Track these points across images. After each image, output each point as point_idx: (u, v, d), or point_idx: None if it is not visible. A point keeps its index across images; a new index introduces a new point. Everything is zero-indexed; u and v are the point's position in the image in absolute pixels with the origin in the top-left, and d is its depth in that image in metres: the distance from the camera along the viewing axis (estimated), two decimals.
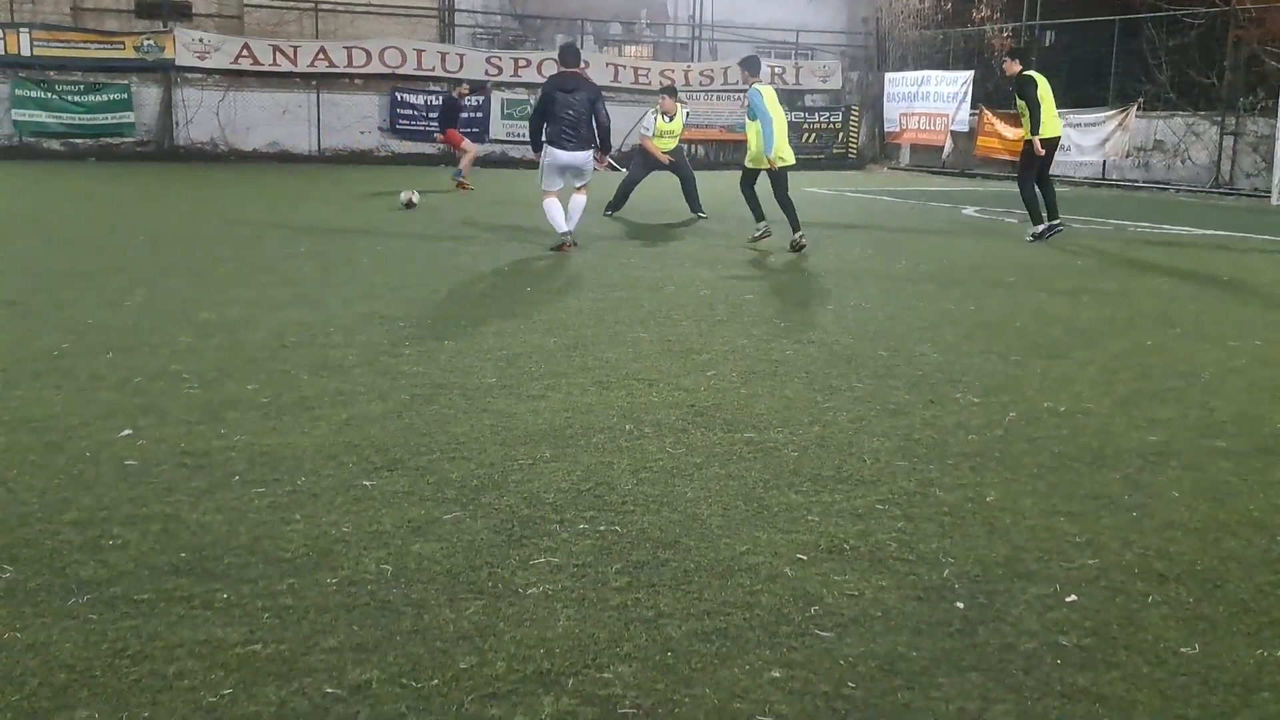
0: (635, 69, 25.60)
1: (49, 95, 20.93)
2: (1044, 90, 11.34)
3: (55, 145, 21.22)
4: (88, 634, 2.59)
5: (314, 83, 22.75)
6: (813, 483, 3.81)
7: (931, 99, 25.08)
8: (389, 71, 23.20)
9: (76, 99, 21.14)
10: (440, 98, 21.03)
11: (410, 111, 23.53)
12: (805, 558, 3.16)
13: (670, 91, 14.13)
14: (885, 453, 4.15)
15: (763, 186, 10.69)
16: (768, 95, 10.62)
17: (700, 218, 13.12)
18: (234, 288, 7.42)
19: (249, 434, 4.17)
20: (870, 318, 6.93)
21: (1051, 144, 11.56)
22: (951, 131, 24.54)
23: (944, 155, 24.93)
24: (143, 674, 2.42)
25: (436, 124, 19.16)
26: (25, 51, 20.65)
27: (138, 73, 21.62)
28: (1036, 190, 11.57)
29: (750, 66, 11.19)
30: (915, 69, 26.09)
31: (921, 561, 3.15)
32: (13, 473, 3.66)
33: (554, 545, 3.20)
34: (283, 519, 3.34)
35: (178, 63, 21.62)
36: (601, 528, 3.35)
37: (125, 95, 21.51)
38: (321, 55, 22.56)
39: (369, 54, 22.97)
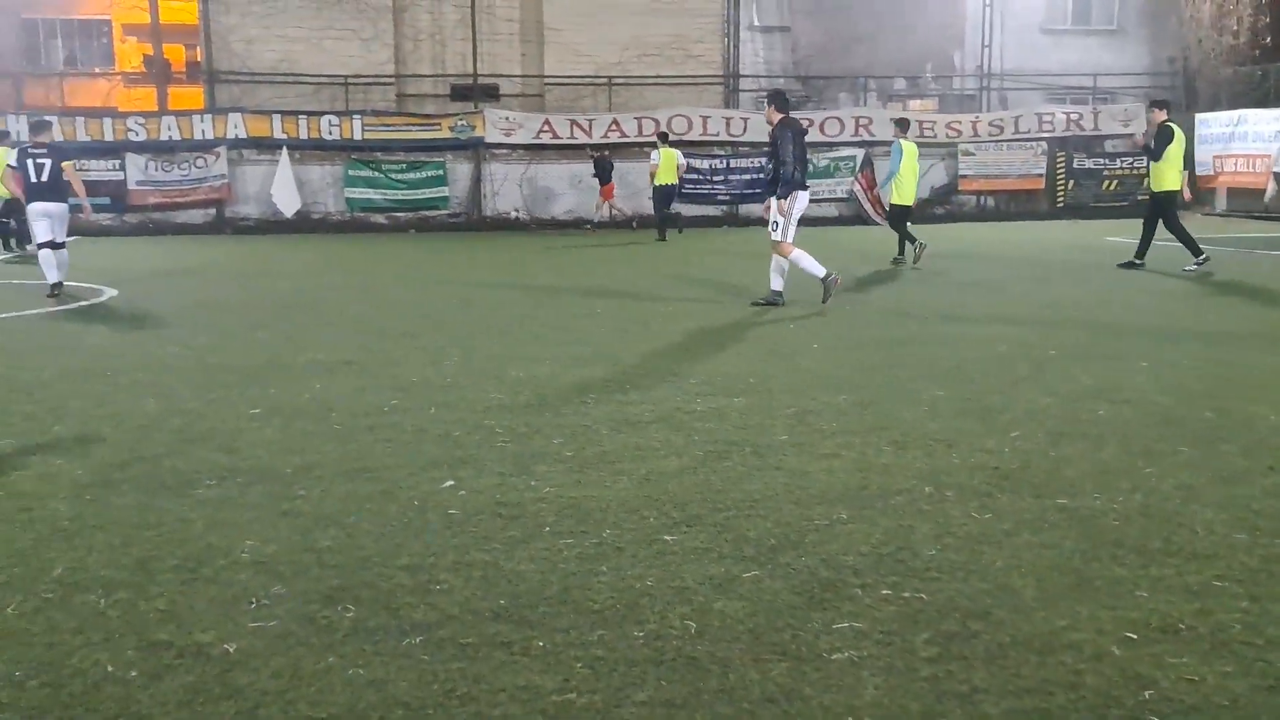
0: (920, 122, 25.17)
1: (376, 174, 23.13)
2: (1176, 146, 12.68)
3: (380, 219, 23.35)
4: (420, 673, 2.77)
5: (606, 152, 23.87)
6: (1138, 555, 3.54)
7: (1250, 139, 23.10)
8: (676, 138, 23.98)
9: (399, 176, 23.25)
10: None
11: (696, 175, 24.18)
12: (1135, 636, 2.93)
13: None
14: (1220, 524, 3.80)
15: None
16: (908, 150, 14.19)
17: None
18: (538, 346, 7.83)
19: (556, 486, 4.37)
20: (1190, 376, 6.41)
21: (1170, 197, 12.78)
22: (1274, 173, 22.46)
23: (1266, 198, 22.84)
24: (470, 715, 2.56)
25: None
26: (357, 135, 22.96)
27: (452, 150, 23.49)
28: (1181, 228, 12.73)
29: (902, 126, 14.79)
30: (1229, 108, 24.15)
31: (1272, 647, 2.84)
32: (352, 519, 4.00)
33: (856, 610, 3.14)
34: (590, 570, 3.46)
35: (487, 140, 23.33)
36: (905, 594, 3.25)
37: (441, 171, 23.42)
38: (614, 126, 23.67)
39: (657, 122, 23.86)
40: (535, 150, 23.61)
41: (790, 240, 9.98)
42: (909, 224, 14.43)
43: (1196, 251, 12.38)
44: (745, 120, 24.36)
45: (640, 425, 5.39)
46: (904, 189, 14.22)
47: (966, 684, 2.68)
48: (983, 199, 25.46)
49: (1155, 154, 12.75)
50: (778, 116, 10.05)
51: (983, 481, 4.38)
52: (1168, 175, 12.71)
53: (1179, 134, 12.78)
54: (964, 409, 5.66)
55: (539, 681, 2.71)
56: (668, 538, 3.76)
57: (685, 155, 24.03)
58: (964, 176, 24.85)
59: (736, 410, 5.70)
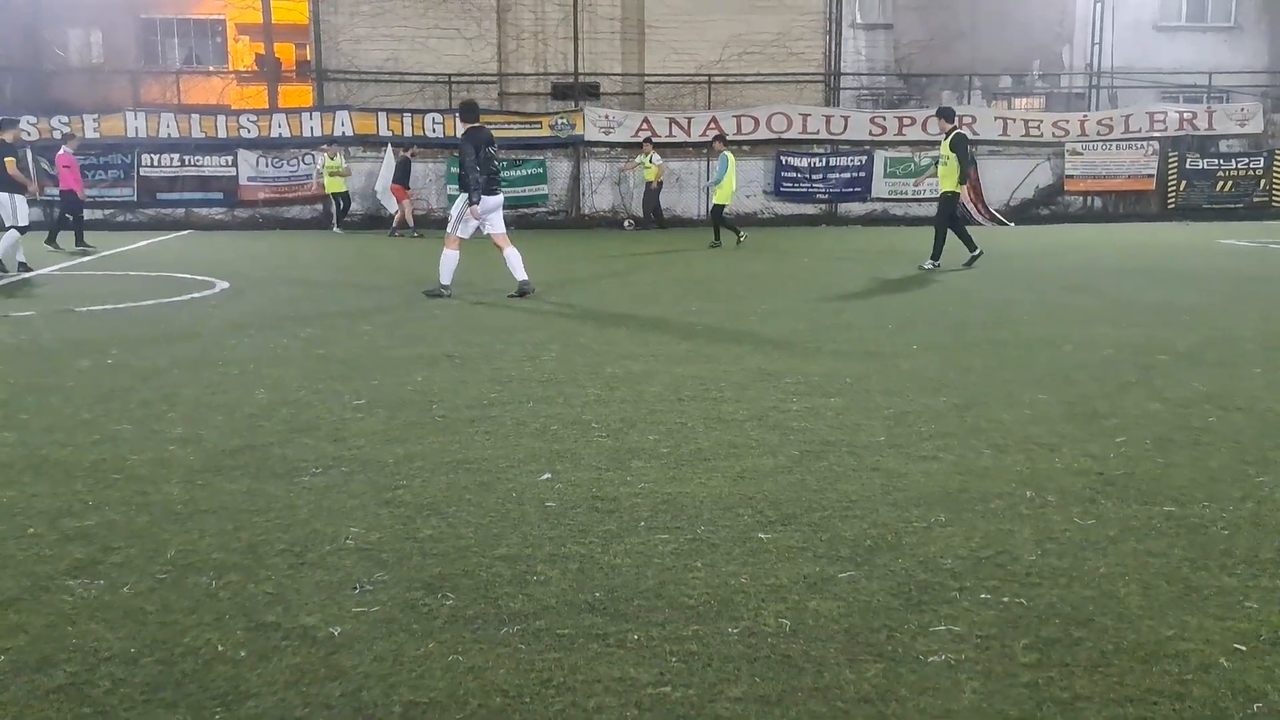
0: (1025, 121, 24.63)
1: None
2: (961, 152, 13.86)
3: None
4: (518, 662, 2.82)
5: (704, 150, 23.85)
6: (1248, 565, 3.43)
7: None
8: (774, 136, 23.88)
9: (500, 174, 23.57)
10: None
11: (794, 174, 24.07)
12: (1244, 648, 2.84)
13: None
14: None
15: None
16: (731, 160, 18.20)
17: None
18: (634, 344, 7.88)
19: (652, 482, 4.40)
20: None
21: (952, 197, 14.20)
22: None
23: None
24: (566, 705, 2.60)
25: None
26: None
27: (552, 148, 23.74)
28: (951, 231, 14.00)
29: (721, 139, 19.15)
30: None
31: None
32: (452, 509, 4.09)
33: (954, 613, 3.10)
34: (685, 566, 3.48)
35: (586, 138, 23.52)
36: (1005, 599, 3.20)
37: (541, 169, 23.68)
38: (713, 124, 23.65)
39: (757, 121, 23.79)
40: (633, 149, 23.73)
41: (459, 236, 10.99)
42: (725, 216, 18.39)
43: (937, 255, 13.80)
44: (845, 119, 24.14)
45: (735, 424, 5.39)
46: (724, 190, 18.20)
47: (1068, 691, 2.63)
48: (1090, 199, 24.81)
49: (961, 160, 13.82)
50: (464, 126, 11.13)
51: (1086, 487, 4.28)
52: (950, 178, 14.02)
53: (965, 140, 14.18)
54: (1067, 413, 5.54)
55: (634, 674, 2.74)
56: (762, 536, 3.76)
57: (782, 154, 23.99)
58: (1070, 176, 24.26)
59: (832, 410, 5.67)
